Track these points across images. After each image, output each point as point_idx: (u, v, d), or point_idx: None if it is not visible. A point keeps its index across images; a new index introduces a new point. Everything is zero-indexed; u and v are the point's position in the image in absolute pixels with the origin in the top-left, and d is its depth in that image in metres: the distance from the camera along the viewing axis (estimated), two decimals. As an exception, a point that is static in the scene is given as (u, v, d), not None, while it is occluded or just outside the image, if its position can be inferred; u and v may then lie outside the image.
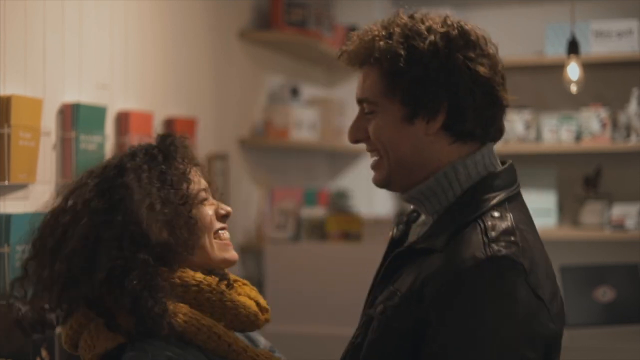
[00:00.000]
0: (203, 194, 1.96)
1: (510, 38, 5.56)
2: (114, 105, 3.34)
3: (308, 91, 5.32)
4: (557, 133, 5.12)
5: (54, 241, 1.88)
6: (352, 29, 5.46)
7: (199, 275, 1.89)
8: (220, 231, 1.97)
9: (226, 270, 2.02)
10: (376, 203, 5.54)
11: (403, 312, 1.78)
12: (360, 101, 1.95)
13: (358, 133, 1.97)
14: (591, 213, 5.12)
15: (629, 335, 4.60)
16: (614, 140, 4.95)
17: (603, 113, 4.96)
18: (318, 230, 4.62)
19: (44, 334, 1.96)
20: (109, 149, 3.28)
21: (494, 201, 1.83)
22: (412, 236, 2.00)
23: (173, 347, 1.80)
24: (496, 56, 1.94)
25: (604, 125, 4.96)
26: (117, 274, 1.79)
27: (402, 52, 1.84)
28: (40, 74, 2.91)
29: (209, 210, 1.96)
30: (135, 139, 3.36)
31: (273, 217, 4.65)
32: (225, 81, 4.34)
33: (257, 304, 2.00)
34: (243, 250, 4.45)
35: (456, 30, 1.91)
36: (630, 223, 4.88)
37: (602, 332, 4.65)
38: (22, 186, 2.79)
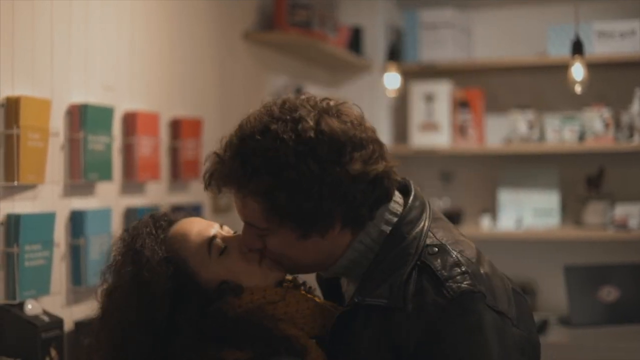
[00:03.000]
0: (218, 243, 1.97)
1: (512, 39, 5.58)
2: (121, 106, 3.36)
3: (312, 92, 5.28)
4: (560, 133, 5.13)
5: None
6: (356, 29, 5.48)
7: (258, 290, 1.90)
8: (255, 258, 1.95)
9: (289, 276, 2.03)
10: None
11: None
12: (246, 223, 1.91)
13: (254, 244, 1.92)
14: (594, 213, 5.13)
15: (633, 334, 4.62)
16: (617, 140, 4.97)
17: (606, 113, 4.97)
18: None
19: None
20: (116, 150, 3.30)
21: (422, 236, 1.85)
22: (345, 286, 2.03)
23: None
24: (365, 131, 1.87)
25: (607, 126, 4.97)
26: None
27: (275, 185, 1.77)
28: (48, 75, 2.93)
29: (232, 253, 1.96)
30: (141, 140, 3.38)
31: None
32: (230, 82, 4.35)
33: (321, 307, 1.98)
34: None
35: (319, 138, 1.79)
36: (633, 223, 4.89)
37: (607, 331, 4.67)
38: (31, 187, 2.81)
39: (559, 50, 4.96)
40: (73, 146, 3.03)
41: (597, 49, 4.94)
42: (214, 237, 1.97)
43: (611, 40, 4.98)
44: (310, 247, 1.85)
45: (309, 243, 1.84)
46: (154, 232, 1.96)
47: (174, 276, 1.88)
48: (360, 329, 1.80)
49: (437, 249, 1.82)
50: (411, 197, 1.94)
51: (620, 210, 4.96)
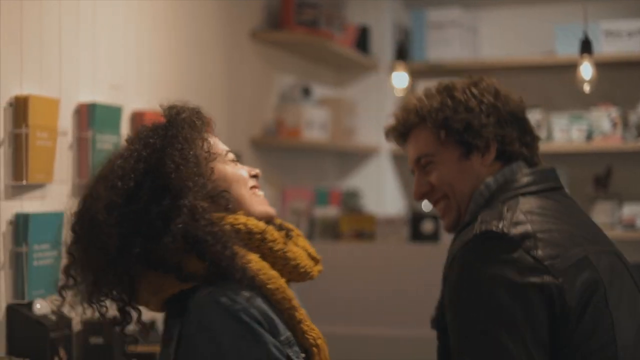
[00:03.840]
0: (231, 155, 2.00)
1: (519, 38, 5.57)
2: (128, 105, 3.35)
3: (319, 91, 5.33)
4: (567, 133, 5.12)
5: (95, 214, 1.85)
6: (363, 28, 5.47)
7: (262, 224, 1.90)
8: (254, 189, 1.99)
9: (280, 220, 2.03)
10: (386, 203, 5.55)
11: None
12: (417, 160, 2.22)
13: (422, 187, 2.22)
14: (602, 213, 5.11)
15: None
16: (625, 139, 4.96)
17: (614, 113, 4.96)
18: (331, 230, 4.63)
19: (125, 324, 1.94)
20: (124, 149, 3.30)
21: (501, 200, 2.07)
22: None
23: (244, 291, 1.80)
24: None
25: (614, 125, 4.96)
26: (170, 224, 1.80)
27: (448, 102, 2.17)
28: (57, 75, 2.93)
29: (236, 167, 1.99)
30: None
31: (285, 217, 4.65)
32: (237, 81, 4.35)
33: (309, 254, 1.99)
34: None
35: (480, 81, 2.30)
36: (640, 222, 4.89)
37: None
38: (39, 186, 2.81)
39: (567, 50, 4.95)
40: (81, 145, 3.03)
41: (605, 48, 4.93)
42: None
43: (619, 39, 4.98)
44: (469, 169, 2.15)
45: (469, 165, 2.15)
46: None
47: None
48: None
49: (499, 208, 2.03)
50: (532, 170, 2.17)
51: (628, 210, 4.94)
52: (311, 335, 1.89)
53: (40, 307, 2.71)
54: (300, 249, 1.96)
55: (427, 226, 4.52)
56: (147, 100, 3.49)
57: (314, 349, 1.90)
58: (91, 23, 3.13)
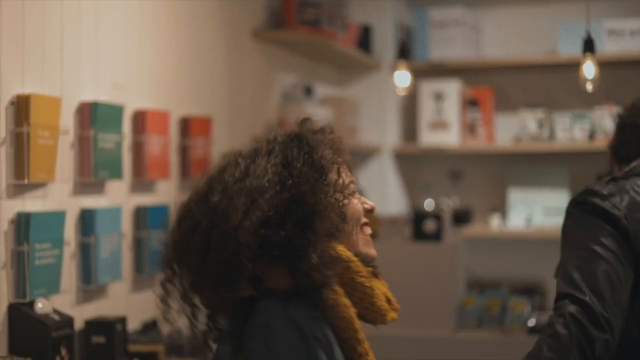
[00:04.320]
0: (353, 186, 1.92)
1: (522, 37, 5.57)
2: (130, 104, 3.35)
3: (321, 90, 5.33)
4: (570, 132, 5.11)
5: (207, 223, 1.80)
6: (365, 28, 5.47)
7: (351, 255, 1.86)
8: (364, 226, 1.94)
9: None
10: (389, 202, 5.55)
11: None
12: None
13: None
14: (604, 212, 5.10)
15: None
16: (628, 139, 4.94)
17: (616, 112, 4.95)
18: (333, 229, 4.62)
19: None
20: (126, 148, 3.30)
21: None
22: None
23: (313, 310, 1.77)
24: None
25: (617, 124, 4.95)
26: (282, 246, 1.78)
27: None
28: (58, 73, 2.92)
29: (357, 203, 1.93)
30: (151, 138, 3.38)
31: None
32: (239, 80, 4.35)
33: (387, 299, 1.95)
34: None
35: None
36: (643, 222, 4.87)
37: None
38: (41, 185, 2.80)
39: (569, 49, 4.95)
40: (83, 144, 3.03)
41: (608, 47, 4.92)
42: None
43: (621, 38, 4.97)
44: None
45: None
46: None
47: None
48: None
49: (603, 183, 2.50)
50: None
51: (631, 209, 4.93)
52: None
53: (42, 306, 2.71)
54: (381, 291, 1.93)
55: (430, 225, 4.51)
56: (149, 99, 3.49)
57: None
58: (93, 22, 3.13)
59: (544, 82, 5.50)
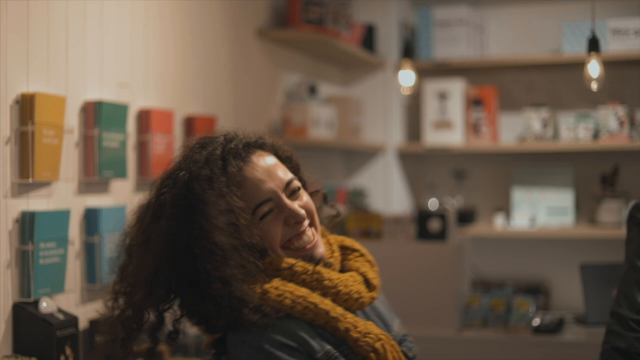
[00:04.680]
0: (264, 208, 1.92)
1: (526, 36, 5.56)
2: (135, 103, 3.35)
3: (325, 89, 5.32)
4: (574, 131, 5.11)
5: (140, 239, 1.91)
6: (370, 27, 5.46)
7: (291, 260, 1.89)
8: (293, 239, 1.95)
9: (350, 241, 2.06)
10: (393, 201, 5.54)
11: None
12: None
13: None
14: (608, 211, 5.10)
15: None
16: (632, 138, 4.94)
17: (621, 111, 4.95)
18: (338, 229, 4.60)
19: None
20: (130, 147, 3.29)
21: None
22: None
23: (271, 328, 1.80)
24: None
25: (621, 124, 4.94)
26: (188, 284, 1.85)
27: None
28: (63, 72, 2.92)
29: (272, 226, 1.92)
30: (156, 137, 3.37)
31: (291, 215, 4.64)
32: (243, 79, 4.34)
33: (366, 280, 1.96)
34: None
35: None
36: (648, 221, 4.86)
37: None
38: (45, 184, 2.80)
39: (574, 48, 4.94)
40: (88, 143, 3.03)
41: (612, 46, 4.91)
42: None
43: (626, 37, 4.96)
44: None
45: None
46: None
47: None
48: None
49: None
50: None
51: (635, 209, 4.92)
52: (365, 341, 1.85)
53: (47, 305, 2.70)
54: (350, 275, 1.95)
55: (434, 225, 4.51)
56: (154, 98, 3.49)
57: (372, 354, 1.86)
58: (98, 21, 3.13)
59: (548, 82, 5.50)
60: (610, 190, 5.15)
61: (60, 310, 2.76)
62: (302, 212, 1.95)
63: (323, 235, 2.08)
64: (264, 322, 1.79)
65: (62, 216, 2.82)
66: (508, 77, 5.58)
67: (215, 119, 3.89)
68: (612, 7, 5.20)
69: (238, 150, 1.97)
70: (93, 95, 3.07)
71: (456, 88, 5.40)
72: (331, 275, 1.91)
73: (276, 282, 1.85)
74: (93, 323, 2.98)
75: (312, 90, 4.94)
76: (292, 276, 1.87)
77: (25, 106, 2.67)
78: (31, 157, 2.66)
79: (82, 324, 2.92)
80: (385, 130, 5.57)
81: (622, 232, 4.84)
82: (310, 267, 1.90)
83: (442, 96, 5.43)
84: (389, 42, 5.61)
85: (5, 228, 2.63)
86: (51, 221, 2.74)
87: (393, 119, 5.57)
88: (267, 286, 1.84)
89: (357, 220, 4.71)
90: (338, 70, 5.66)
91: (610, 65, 4.47)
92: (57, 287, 2.79)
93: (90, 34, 3.08)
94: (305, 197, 2.01)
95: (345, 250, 2.09)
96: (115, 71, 3.23)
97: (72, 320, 2.78)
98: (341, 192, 5.31)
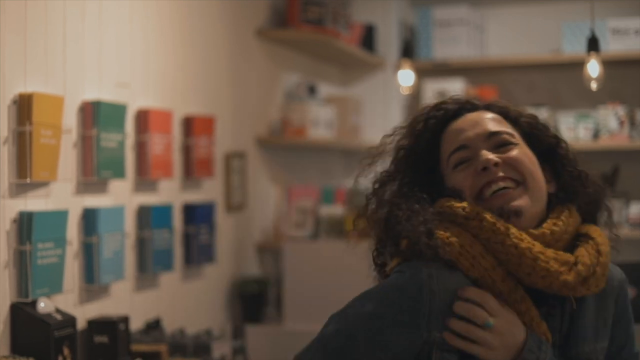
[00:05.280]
0: (456, 156, 1.85)
1: (526, 36, 5.56)
2: (134, 103, 3.35)
3: (325, 89, 5.32)
4: (574, 131, 5.10)
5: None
6: (369, 27, 5.46)
7: (486, 213, 1.73)
8: (484, 188, 1.78)
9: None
10: (392, 201, 5.53)
11: None
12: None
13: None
14: (608, 211, 5.09)
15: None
16: (632, 138, 4.94)
17: (621, 111, 4.94)
18: (337, 228, 4.60)
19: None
20: (129, 147, 3.29)
21: None
22: None
23: (433, 267, 1.72)
24: None
25: (621, 124, 4.94)
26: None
27: None
28: (61, 72, 2.92)
29: (462, 174, 1.83)
30: (154, 137, 3.37)
31: (291, 215, 4.64)
32: (242, 79, 4.34)
33: (555, 257, 1.71)
34: (261, 248, 4.45)
35: None
36: (648, 221, 4.86)
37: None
38: (43, 184, 2.80)
39: (574, 48, 4.93)
40: (86, 143, 3.02)
41: (612, 46, 4.91)
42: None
43: (626, 37, 4.96)
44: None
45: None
46: None
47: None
48: None
49: None
50: None
51: (635, 209, 4.93)
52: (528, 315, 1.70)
53: (45, 305, 2.70)
54: (542, 247, 1.72)
55: (433, 225, 4.50)
56: (152, 98, 3.49)
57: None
58: (96, 20, 3.12)
59: (548, 81, 5.49)
60: (610, 190, 5.12)
61: (58, 311, 2.76)
62: (492, 158, 1.79)
63: (562, 214, 1.84)
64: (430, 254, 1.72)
65: (60, 216, 2.81)
66: (508, 77, 5.57)
67: (214, 119, 3.88)
68: (612, 7, 5.19)
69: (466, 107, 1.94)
70: (91, 95, 3.07)
71: (456, 88, 5.39)
72: (518, 241, 1.70)
73: (456, 234, 1.74)
74: (91, 323, 2.98)
75: (312, 90, 4.94)
76: (479, 230, 1.72)
77: (23, 106, 2.67)
78: (29, 157, 2.65)
79: (80, 324, 2.92)
80: (385, 130, 5.52)
81: (623, 232, 4.86)
82: (501, 225, 1.71)
83: (442, 96, 5.40)
84: (389, 42, 5.61)
85: (3, 228, 2.63)
86: (49, 221, 2.74)
87: (393, 119, 5.56)
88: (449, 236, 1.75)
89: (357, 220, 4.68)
90: (337, 70, 5.65)
91: (610, 65, 4.46)
92: (55, 287, 2.79)
93: (88, 34, 3.07)
94: (515, 152, 1.83)
95: (581, 237, 1.83)
96: (113, 71, 3.23)
97: (70, 320, 2.77)
98: (341, 192, 5.30)
